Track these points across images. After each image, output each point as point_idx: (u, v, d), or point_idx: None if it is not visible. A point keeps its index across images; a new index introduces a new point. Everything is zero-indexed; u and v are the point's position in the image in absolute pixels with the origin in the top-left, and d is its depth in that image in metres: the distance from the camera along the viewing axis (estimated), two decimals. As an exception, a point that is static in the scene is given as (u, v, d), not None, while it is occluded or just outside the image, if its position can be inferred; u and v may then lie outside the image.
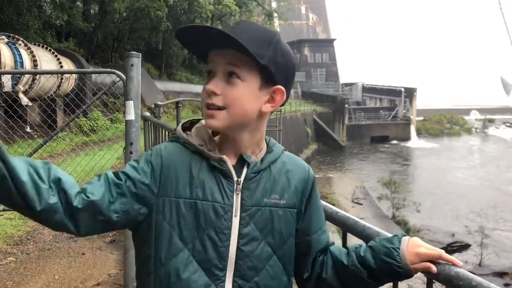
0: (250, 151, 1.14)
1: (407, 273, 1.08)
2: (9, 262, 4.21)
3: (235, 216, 1.07)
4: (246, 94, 1.08)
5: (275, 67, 1.08)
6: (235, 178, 1.09)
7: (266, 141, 1.20)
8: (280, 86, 1.12)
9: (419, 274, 1.11)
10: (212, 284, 1.05)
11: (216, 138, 1.16)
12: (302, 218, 1.18)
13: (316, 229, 1.20)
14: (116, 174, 1.07)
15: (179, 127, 1.16)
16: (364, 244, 1.16)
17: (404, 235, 1.12)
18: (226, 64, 1.06)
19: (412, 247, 1.08)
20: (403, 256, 1.08)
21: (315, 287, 1.20)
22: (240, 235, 1.07)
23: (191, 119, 1.21)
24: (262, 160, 1.14)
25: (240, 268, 1.07)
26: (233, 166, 1.11)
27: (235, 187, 1.09)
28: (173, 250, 1.05)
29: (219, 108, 1.07)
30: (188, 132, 1.15)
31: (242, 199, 1.08)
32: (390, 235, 1.16)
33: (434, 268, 1.03)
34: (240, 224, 1.07)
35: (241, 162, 1.12)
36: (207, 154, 1.10)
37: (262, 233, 1.10)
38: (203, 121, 1.16)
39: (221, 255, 1.05)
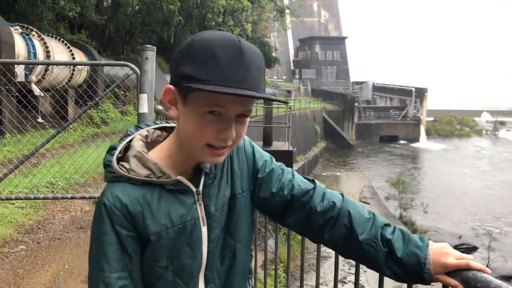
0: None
1: (428, 278, 1.03)
2: (20, 250, 4.26)
3: (203, 225, 1.08)
4: None
5: None
6: (194, 190, 1.07)
7: None
8: None
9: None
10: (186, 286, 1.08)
11: (152, 154, 1.08)
12: (259, 189, 1.19)
13: (277, 188, 1.18)
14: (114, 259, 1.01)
15: (115, 165, 1.05)
16: (394, 227, 1.12)
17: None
18: (244, 111, 0.99)
19: (440, 255, 1.03)
20: (429, 259, 1.03)
21: (301, 231, 1.21)
22: (210, 241, 1.09)
23: (116, 146, 1.11)
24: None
25: (209, 265, 1.10)
26: (189, 179, 1.07)
27: (196, 199, 1.07)
28: (155, 275, 1.06)
29: None
30: (127, 166, 1.05)
31: (205, 208, 1.08)
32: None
33: None
34: (208, 231, 1.09)
35: (197, 171, 1.08)
36: (160, 183, 1.04)
37: (224, 230, 1.13)
38: (137, 147, 1.07)
39: (198, 266, 1.08)
